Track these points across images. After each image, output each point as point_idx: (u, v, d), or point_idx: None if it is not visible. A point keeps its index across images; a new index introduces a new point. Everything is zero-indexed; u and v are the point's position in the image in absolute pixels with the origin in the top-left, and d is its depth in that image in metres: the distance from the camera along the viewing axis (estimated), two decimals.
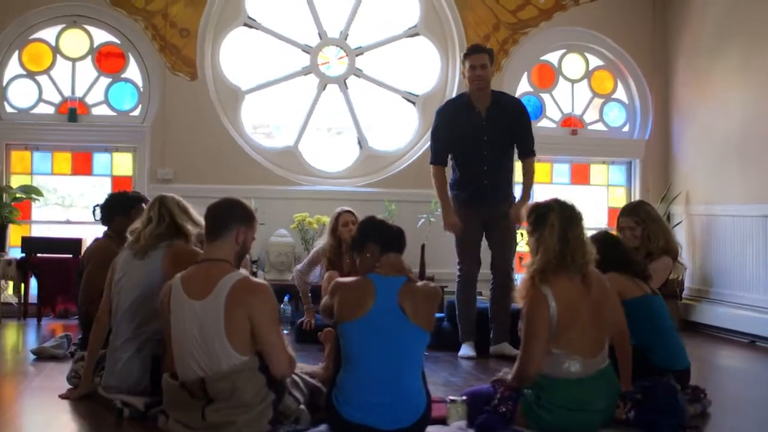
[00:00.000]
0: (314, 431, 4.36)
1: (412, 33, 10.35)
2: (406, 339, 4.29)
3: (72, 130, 9.57)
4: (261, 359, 4.26)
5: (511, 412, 4.46)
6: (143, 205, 5.96)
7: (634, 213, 6.11)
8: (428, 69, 10.41)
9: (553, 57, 10.56)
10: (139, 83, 9.77)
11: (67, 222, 9.73)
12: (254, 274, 8.90)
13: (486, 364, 6.88)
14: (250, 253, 5.62)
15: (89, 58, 9.75)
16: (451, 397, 4.79)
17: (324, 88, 10.21)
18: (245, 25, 10.03)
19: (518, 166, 7.53)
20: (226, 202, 4.51)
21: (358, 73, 10.23)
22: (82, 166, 9.76)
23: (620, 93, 10.69)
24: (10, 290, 9.10)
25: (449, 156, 7.39)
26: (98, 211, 6.34)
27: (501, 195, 7.32)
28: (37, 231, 9.65)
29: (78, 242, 8.81)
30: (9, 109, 9.63)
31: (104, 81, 9.78)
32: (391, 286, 4.33)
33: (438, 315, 7.01)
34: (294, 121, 10.27)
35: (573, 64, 10.63)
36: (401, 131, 10.37)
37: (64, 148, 9.68)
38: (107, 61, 9.81)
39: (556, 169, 10.46)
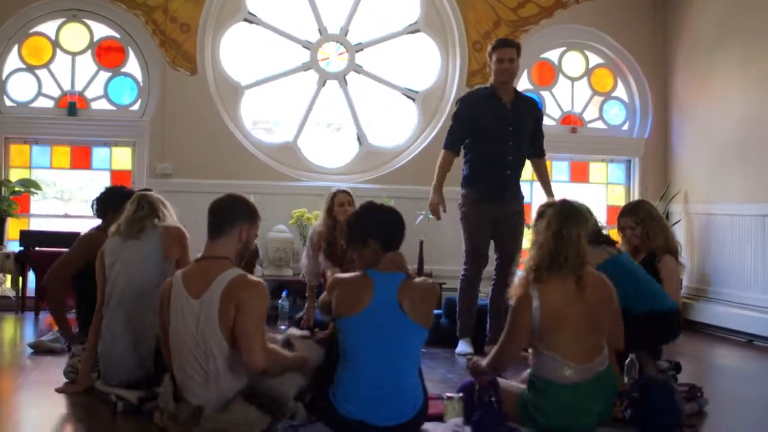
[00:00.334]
0: (311, 427, 4.34)
1: (412, 29, 10.34)
2: (404, 335, 4.28)
3: (71, 124, 9.57)
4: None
5: (498, 401, 4.44)
6: None
7: (633, 213, 6.10)
8: (428, 66, 10.40)
9: (553, 55, 10.56)
10: (139, 78, 9.76)
11: (66, 216, 9.72)
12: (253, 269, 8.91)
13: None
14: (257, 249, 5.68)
15: (89, 52, 9.74)
16: (448, 394, 4.78)
17: (324, 84, 10.21)
18: (245, 20, 10.02)
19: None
20: (230, 199, 4.47)
21: (358, 69, 10.22)
22: (81, 160, 9.76)
23: (620, 91, 10.69)
24: (8, 284, 9.09)
25: (466, 150, 7.28)
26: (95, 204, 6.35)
27: (517, 191, 7.30)
28: (36, 225, 9.64)
29: (76, 236, 8.77)
30: (8, 103, 9.62)
31: (104, 75, 9.78)
32: (389, 282, 4.31)
33: (436, 312, 7.03)
34: (293, 117, 10.27)
35: (573, 62, 10.64)
36: (401, 128, 10.37)
37: (63, 142, 9.68)
38: (107, 55, 9.80)
39: (556, 167, 10.44)
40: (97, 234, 6.08)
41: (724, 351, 8.15)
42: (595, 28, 10.36)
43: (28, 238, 8.92)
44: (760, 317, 8.28)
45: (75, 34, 9.72)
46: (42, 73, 9.69)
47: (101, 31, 9.74)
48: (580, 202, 4.88)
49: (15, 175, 9.54)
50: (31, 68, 9.67)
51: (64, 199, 9.97)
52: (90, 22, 9.70)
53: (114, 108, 9.79)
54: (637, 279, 5.53)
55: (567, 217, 4.55)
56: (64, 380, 5.49)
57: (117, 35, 9.72)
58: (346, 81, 10.18)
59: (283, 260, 9.20)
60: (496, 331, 7.21)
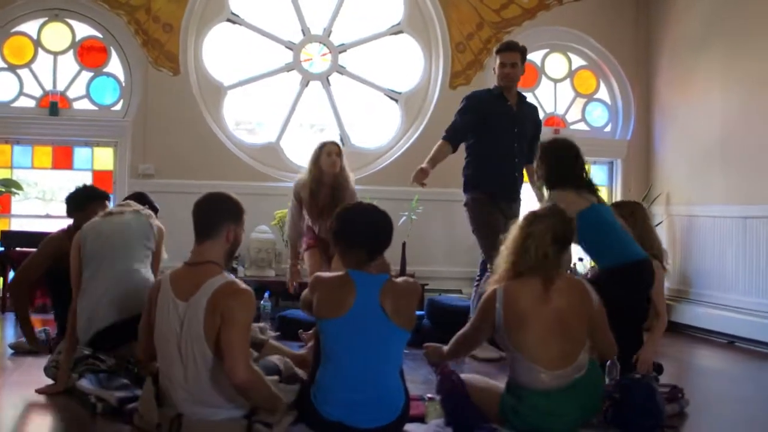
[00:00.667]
0: (293, 429, 4.31)
1: (395, 30, 10.35)
2: (386, 338, 4.27)
3: (53, 124, 9.52)
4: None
5: (461, 384, 4.54)
6: (106, 202, 6.06)
7: (619, 207, 6.07)
8: (411, 67, 10.41)
9: (536, 56, 10.57)
10: (121, 78, 9.73)
11: (47, 216, 9.67)
12: (234, 270, 8.89)
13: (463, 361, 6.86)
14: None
15: (71, 51, 9.70)
16: (430, 395, 4.79)
17: (307, 85, 10.20)
18: (228, 20, 10.01)
19: None
20: (212, 201, 4.38)
21: (341, 70, 10.22)
22: (63, 161, 9.71)
23: (603, 93, 10.72)
24: None
25: (469, 150, 7.23)
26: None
27: (520, 193, 7.23)
28: (17, 225, 9.58)
29: None
30: None
31: (86, 75, 9.74)
32: (372, 284, 4.29)
33: (419, 313, 7.03)
34: (276, 118, 10.26)
35: (556, 64, 10.66)
36: (383, 129, 10.37)
37: (45, 142, 9.63)
38: (89, 55, 9.77)
39: None
40: (64, 235, 6.08)
41: (705, 352, 8.17)
42: (578, 29, 10.39)
43: (8, 238, 8.88)
44: (741, 318, 8.31)
45: (57, 34, 9.68)
46: (23, 72, 9.64)
47: (83, 30, 9.70)
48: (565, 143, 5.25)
49: None
50: (12, 68, 9.62)
51: (46, 199, 9.92)
52: (72, 22, 9.66)
53: (96, 108, 9.75)
54: (611, 232, 5.58)
55: (534, 217, 4.59)
56: (45, 380, 5.46)
57: (99, 35, 9.69)
58: (329, 82, 10.18)
59: (265, 261, 9.19)
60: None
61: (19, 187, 9.29)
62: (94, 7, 9.50)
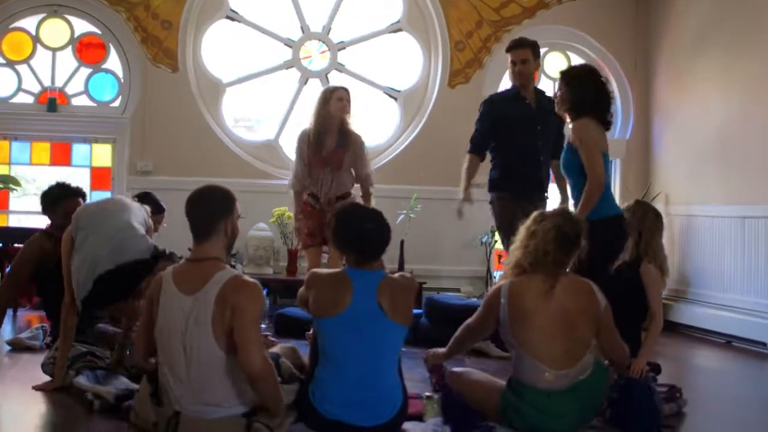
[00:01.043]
0: (292, 428, 4.30)
1: (394, 28, 10.34)
2: (384, 336, 4.27)
3: (51, 120, 9.52)
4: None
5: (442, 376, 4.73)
6: (80, 200, 5.85)
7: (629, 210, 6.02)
8: (410, 65, 10.40)
9: None
10: (120, 74, 9.73)
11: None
12: (232, 267, 8.88)
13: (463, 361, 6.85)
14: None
15: (70, 48, 9.70)
16: (428, 394, 4.79)
17: (306, 83, 10.19)
18: (227, 17, 10.00)
19: None
20: (204, 199, 4.32)
21: (340, 68, 10.21)
22: (61, 157, 9.71)
23: None
24: None
25: (494, 153, 7.08)
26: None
27: (545, 192, 7.07)
28: (15, 221, 9.58)
29: None
30: None
31: (84, 71, 9.75)
32: (369, 281, 4.28)
33: (416, 311, 7.04)
34: (275, 115, 10.25)
35: (555, 63, 10.64)
36: (382, 127, 10.35)
37: (43, 138, 9.62)
38: (88, 51, 9.77)
39: None
40: (43, 234, 5.99)
41: (703, 352, 8.18)
42: (577, 29, 10.38)
43: (6, 234, 8.88)
44: (739, 318, 8.31)
45: (56, 30, 9.69)
46: (22, 68, 9.65)
47: (82, 26, 9.70)
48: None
49: None
50: (11, 63, 9.63)
51: None
52: (71, 18, 9.66)
53: (94, 104, 9.76)
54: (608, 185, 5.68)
55: (539, 217, 4.60)
56: (42, 377, 5.45)
57: (98, 31, 9.68)
58: (328, 79, 10.16)
59: (263, 258, 9.19)
60: None
61: (17, 183, 9.27)
62: (93, 3, 9.50)
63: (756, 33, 8.55)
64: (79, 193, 5.99)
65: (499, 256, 10.04)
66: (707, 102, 9.22)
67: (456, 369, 4.75)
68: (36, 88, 9.63)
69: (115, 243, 5.18)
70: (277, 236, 9.26)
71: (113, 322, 5.82)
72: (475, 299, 8.86)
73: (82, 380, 5.13)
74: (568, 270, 4.57)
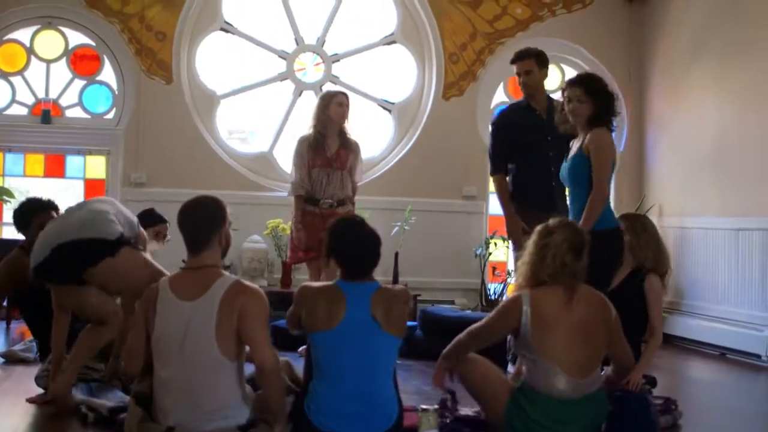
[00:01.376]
0: None
1: (389, 41, 10.35)
2: (379, 348, 4.24)
3: (45, 131, 9.51)
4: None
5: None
6: (53, 212, 5.65)
7: (624, 218, 6.01)
8: (404, 77, 10.41)
9: None
10: (114, 86, 9.72)
11: None
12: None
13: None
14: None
15: (64, 59, 9.69)
16: (423, 406, 4.77)
17: (300, 95, 10.20)
18: (222, 29, 10.00)
19: None
20: (199, 214, 4.32)
21: (335, 80, 10.21)
22: (55, 169, 9.69)
23: None
24: None
25: (509, 164, 6.89)
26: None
27: (566, 205, 6.57)
28: (9, 233, 9.55)
29: None
30: None
31: (79, 83, 9.73)
32: (362, 293, 4.26)
33: (411, 323, 7.01)
34: (269, 127, 10.25)
35: (549, 75, 10.62)
36: (376, 139, 10.35)
37: (37, 150, 9.61)
38: (82, 63, 9.76)
39: None
40: (20, 252, 5.81)
41: (697, 364, 8.18)
42: (571, 41, 10.40)
43: (0, 246, 8.83)
44: (732, 330, 8.32)
45: (50, 42, 9.67)
46: (16, 80, 9.63)
47: (76, 38, 9.69)
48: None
49: None
50: (5, 75, 9.62)
51: None
52: (65, 30, 9.65)
53: (88, 116, 9.74)
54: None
55: (548, 230, 4.58)
56: (36, 390, 5.43)
57: (92, 43, 9.68)
58: (322, 91, 10.15)
59: (257, 270, 9.18)
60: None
61: (10, 195, 9.24)
62: (87, 15, 9.49)
63: (750, 42, 8.58)
64: (50, 205, 5.79)
65: (494, 268, 10.05)
66: (701, 113, 9.24)
67: (471, 355, 4.65)
68: (30, 100, 9.62)
69: (85, 221, 5.09)
70: (271, 248, 9.25)
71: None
72: (469, 311, 8.87)
73: (76, 393, 5.12)
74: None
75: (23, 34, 9.62)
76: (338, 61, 10.28)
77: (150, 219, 6.34)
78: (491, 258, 9.90)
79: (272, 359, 4.13)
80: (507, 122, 6.92)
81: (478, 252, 9.73)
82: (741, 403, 6.60)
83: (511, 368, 5.91)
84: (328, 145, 7.17)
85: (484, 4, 10.24)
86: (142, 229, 5.57)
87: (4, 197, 9.24)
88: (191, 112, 9.73)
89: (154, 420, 4.19)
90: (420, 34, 10.28)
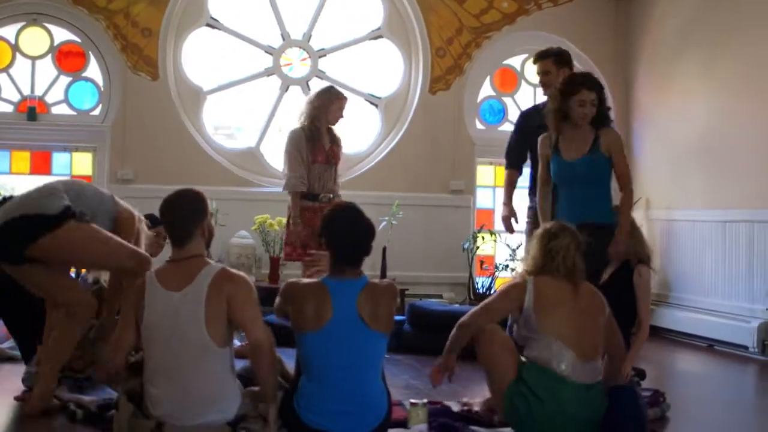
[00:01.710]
0: None
1: (375, 35, 10.34)
2: (367, 346, 4.25)
3: (31, 129, 9.47)
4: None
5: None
6: None
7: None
8: (391, 72, 10.41)
9: (515, 61, 10.60)
10: (100, 83, 9.68)
11: None
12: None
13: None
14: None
15: (49, 56, 9.64)
16: (413, 401, 4.78)
17: (286, 90, 10.18)
18: (208, 25, 9.97)
19: None
20: (182, 202, 4.40)
21: (321, 75, 10.20)
22: (41, 166, 9.63)
23: None
24: None
25: (531, 162, 6.79)
26: None
27: None
28: None
29: None
30: None
31: (64, 80, 9.69)
32: (348, 291, 4.25)
33: (399, 318, 7.03)
34: (256, 123, 10.24)
35: (535, 69, 10.65)
36: (363, 134, 10.34)
37: (23, 147, 9.55)
38: (67, 59, 9.71)
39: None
40: None
41: (685, 356, 8.21)
42: (557, 35, 10.36)
43: None
44: (720, 322, 8.35)
45: (35, 38, 9.62)
46: (1, 77, 9.57)
47: (62, 35, 9.65)
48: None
49: None
50: None
51: None
52: (50, 26, 9.60)
53: (74, 113, 9.70)
54: None
55: (555, 233, 4.73)
56: (23, 388, 5.42)
57: (78, 39, 9.63)
58: (308, 86, 10.15)
59: (245, 266, 9.15)
60: None
61: None
62: (72, 11, 9.44)
63: (736, 35, 8.61)
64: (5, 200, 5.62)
65: (482, 262, 10.06)
66: (687, 107, 9.26)
67: (489, 326, 4.71)
68: (15, 97, 9.57)
69: (23, 200, 5.05)
70: (258, 244, 9.23)
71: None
72: (457, 305, 8.87)
73: (62, 392, 5.10)
74: None
75: (8, 31, 9.57)
76: (325, 56, 10.26)
77: (150, 221, 6.30)
78: (479, 252, 9.90)
79: (266, 337, 4.20)
80: (527, 126, 6.84)
81: (465, 246, 9.74)
82: (729, 394, 6.64)
83: None
84: (324, 140, 7.24)
85: None
86: (130, 220, 5.45)
87: None
88: (178, 108, 9.70)
89: (144, 414, 4.21)
90: (406, 28, 10.28)
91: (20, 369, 5.78)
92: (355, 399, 4.19)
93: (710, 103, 8.93)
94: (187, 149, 9.62)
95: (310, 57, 10.19)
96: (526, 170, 6.94)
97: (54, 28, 9.62)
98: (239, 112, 10.42)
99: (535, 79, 10.45)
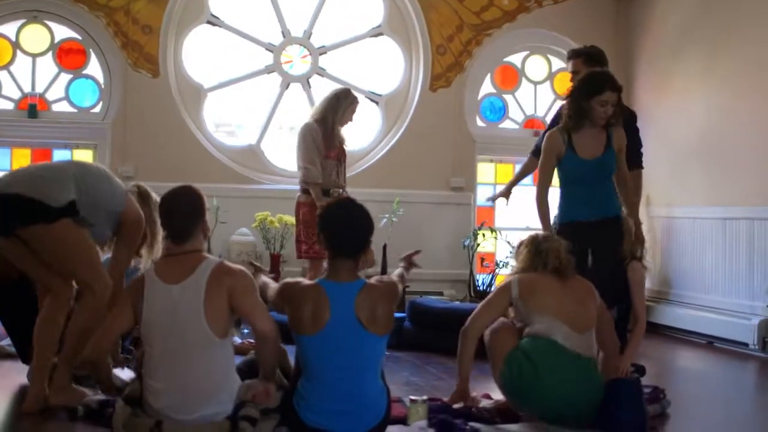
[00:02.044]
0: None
1: (375, 33, 10.34)
2: (365, 349, 4.25)
3: (32, 126, 9.47)
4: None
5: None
6: None
7: None
8: (392, 69, 10.41)
9: (516, 58, 10.60)
10: (101, 80, 9.67)
11: None
12: None
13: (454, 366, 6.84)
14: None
15: (50, 53, 9.63)
16: (412, 397, 4.79)
17: (287, 87, 10.17)
18: (208, 22, 9.97)
19: None
20: (184, 200, 4.47)
21: (322, 72, 10.20)
22: None
23: None
24: None
25: None
26: None
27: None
28: None
29: None
30: None
31: (65, 77, 9.68)
32: (345, 294, 4.25)
33: (400, 314, 7.03)
34: (256, 120, 10.24)
35: (536, 66, 10.68)
36: (364, 131, 10.34)
37: (24, 144, 9.55)
38: (68, 57, 9.70)
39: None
40: None
41: (685, 353, 8.22)
42: (558, 32, 10.41)
43: None
44: (720, 319, 8.36)
45: (35, 36, 9.60)
46: (2, 74, 9.56)
47: (62, 32, 9.64)
48: None
49: None
50: None
51: None
52: (51, 24, 9.59)
53: (75, 110, 9.69)
54: None
55: (539, 241, 4.99)
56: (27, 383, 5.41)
57: (78, 37, 9.63)
58: (309, 84, 10.16)
59: (245, 263, 9.16)
60: None
61: None
62: (73, 8, 9.44)
63: (736, 33, 8.62)
64: None
65: (482, 259, 10.06)
66: (688, 104, 9.27)
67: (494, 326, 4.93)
68: (16, 95, 9.57)
69: (36, 178, 4.98)
70: (259, 241, 9.24)
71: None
72: (458, 302, 8.88)
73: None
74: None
75: (9, 29, 9.56)
76: (325, 53, 10.26)
77: None
78: (479, 249, 9.90)
79: (272, 329, 4.29)
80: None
81: (466, 243, 9.74)
82: (729, 391, 6.64)
83: None
84: (337, 138, 7.36)
85: None
86: (135, 223, 5.35)
87: None
88: (178, 106, 9.70)
89: (143, 410, 4.23)
90: (407, 26, 10.28)
91: (19, 366, 5.77)
92: (353, 399, 4.20)
93: (710, 101, 8.93)
94: (188, 146, 9.62)
95: (310, 54, 10.19)
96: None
97: (54, 26, 9.61)
98: (240, 109, 10.40)
99: (535, 76, 10.63)
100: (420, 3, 10.10)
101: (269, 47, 10.13)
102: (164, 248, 4.73)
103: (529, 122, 10.60)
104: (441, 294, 9.50)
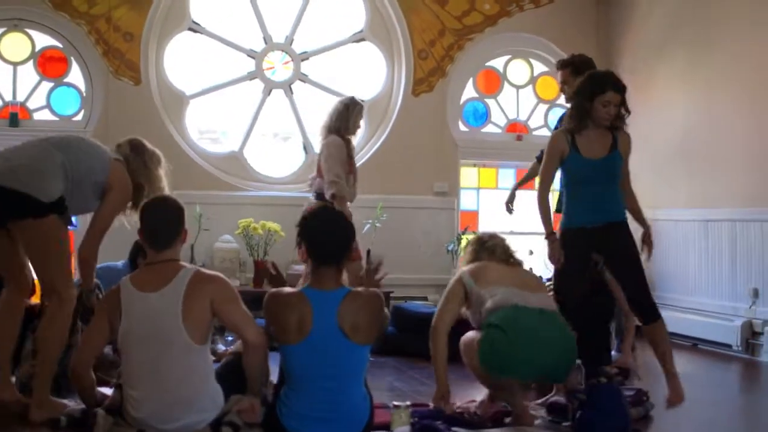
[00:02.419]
0: None
1: (357, 38, 10.35)
2: (348, 358, 4.25)
3: (13, 135, 9.37)
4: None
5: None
6: None
7: None
8: (374, 74, 10.41)
9: (498, 63, 10.62)
10: (82, 88, 9.64)
11: None
12: None
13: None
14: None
15: (31, 62, 9.60)
16: (395, 403, 4.78)
17: (269, 93, 10.17)
18: (190, 29, 9.96)
19: None
20: (165, 209, 4.53)
21: (304, 78, 10.20)
22: None
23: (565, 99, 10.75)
24: None
25: None
26: None
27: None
28: None
29: None
30: None
31: (46, 85, 9.65)
32: (328, 303, 4.24)
33: None
34: (239, 127, 10.22)
35: (518, 70, 10.70)
36: None
37: None
38: (49, 65, 9.67)
39: (502, 174, 10.51)
40: None
41: None
42: (539, 36, 10.43)
43: None
44: (704, 321, 8.39)
45: (16, 44, 9.57)
46: None
47: (43, 40, 9.61)
48: None
49: None
50: None
51: None
52: (32, 32, 9.55)
53: (57, 119, 9.66)
54: None
55: (484, 239, 5.41)
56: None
57: (60, 45, 9.60)
58: (291, 90, 10.16)
59: (229, 270, 9.14)
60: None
61: None
62: (54, 16, 9.41)
63: (717, 36, 8.65)
64: None
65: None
66: (669, 107, 9.30)
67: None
68: None
69: (32, 169, 4.90)
70: (243, 248, 9.23)
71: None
72: None
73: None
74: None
75: None
76: (307, 59, 10.26)
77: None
78: (462, 253, 9.90)
79: (255, 334, 4.32)
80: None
81: (450, 248, 9.75)
82: (713, 393, 6.66)
83: None
84: (353, 152, 7.49)
85: (453, 0, 10.26)
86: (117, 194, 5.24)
87: None
88: (160, 113, 9.68)
89: (125, 420, 4.23)
90: (389, 31, 10.28)
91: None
92: (336, 407, 4.21)
93: (692, 102, 8.97)
94: (170, 154, 9.47)
95: (292, 60, 10.19)
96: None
97: (35, 34, 9.57)
98: (223, 116, 10.39)
99: (518, 80, 10.65)
100: (401, 8, 10.11)
101: (251, 53, 10.12)
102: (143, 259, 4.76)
103: (512, 126, 10.61)
104: (425, 299, 9.50)
